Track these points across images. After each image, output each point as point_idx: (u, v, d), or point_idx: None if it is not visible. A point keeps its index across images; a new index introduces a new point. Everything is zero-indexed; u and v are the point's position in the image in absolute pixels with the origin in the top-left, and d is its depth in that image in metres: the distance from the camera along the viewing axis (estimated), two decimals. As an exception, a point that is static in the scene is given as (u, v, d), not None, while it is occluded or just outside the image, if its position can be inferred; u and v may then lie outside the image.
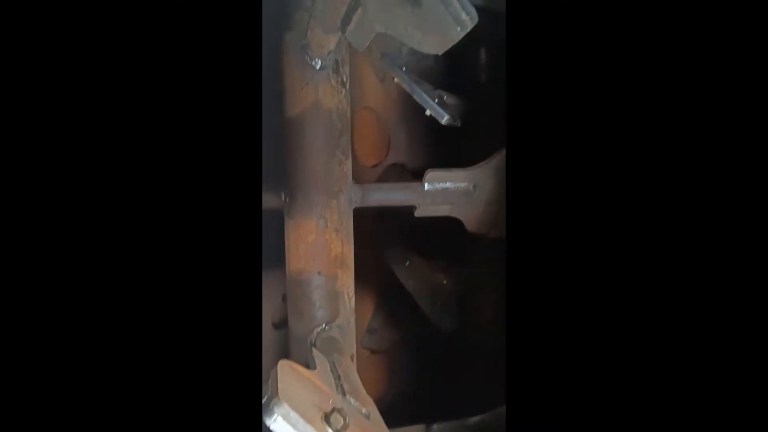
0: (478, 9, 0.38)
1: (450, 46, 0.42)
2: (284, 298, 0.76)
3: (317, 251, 0.71)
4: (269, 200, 0.72)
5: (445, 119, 0.90)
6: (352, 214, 0.75)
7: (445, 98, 1.00)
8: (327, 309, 0.72)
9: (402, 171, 1.31)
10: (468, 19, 0.38)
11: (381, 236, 1.16)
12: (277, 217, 0.74)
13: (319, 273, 0.71)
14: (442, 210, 0.81)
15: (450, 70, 1.29)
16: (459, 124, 0.91)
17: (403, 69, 1.05)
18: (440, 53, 0.45)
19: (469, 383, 1.08)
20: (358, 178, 0.83)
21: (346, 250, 0.73)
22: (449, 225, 0.92)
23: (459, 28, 0.38)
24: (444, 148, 1.21)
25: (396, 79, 1.09)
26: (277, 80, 0.71)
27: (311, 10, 0.56)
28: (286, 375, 0.40)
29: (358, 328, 0.99)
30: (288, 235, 0.72)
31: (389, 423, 0.50)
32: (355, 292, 0.74)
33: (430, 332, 0.99)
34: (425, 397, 1.16)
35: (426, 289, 0.96)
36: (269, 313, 0.97)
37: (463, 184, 0.79)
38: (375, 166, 1.26)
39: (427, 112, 0.94)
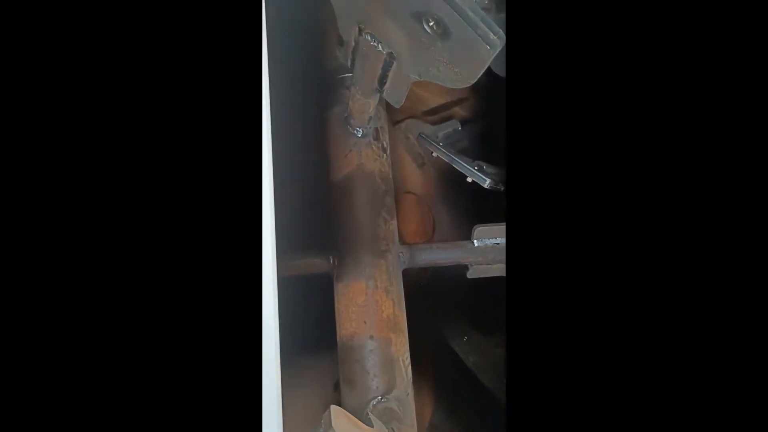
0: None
1: (482, 70, 0.44)
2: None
3: (368, 313, 0.68)
4: (318, 265, 0.72)
5: (487, 183, 0.91)
6: (401, 275, 0.73)
7: (485, 167, 1.02)
8: (381, 377, 0.66)
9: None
10: (497, 39, 0.40)
11: (435, 304, 1.11)
12: (327, 282, 0.73)
13: (371, 337, 0.67)
14: (495, 270, 0.78)
15: (484, 145, 1.33)
16: (502, 188, 0.91)
17: (441, 144, 1.09)
18: (473, 81, 0.47)
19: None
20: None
21: (398, 312, 0.70)
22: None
23: (489, 48, 0.40)
24: (489, 216, 1.19)
25: (435, 154, 1.13)
26: (323, 150, 0.76)
27: (351, 79, 0.61)
28: (340, 420, 0.36)
29: (418, 420, 0.91)
30: (338, 299, 0.70)
31: None
32: (412, 371, 0.69)
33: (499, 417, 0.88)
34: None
35: (488, 364, 0.88)
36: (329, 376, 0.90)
37: (514, 238, 0.76)
38: (421, 245, 1.26)
39: (469, 179, 0.95)
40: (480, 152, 1.37)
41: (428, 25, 0.43)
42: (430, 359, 1.11)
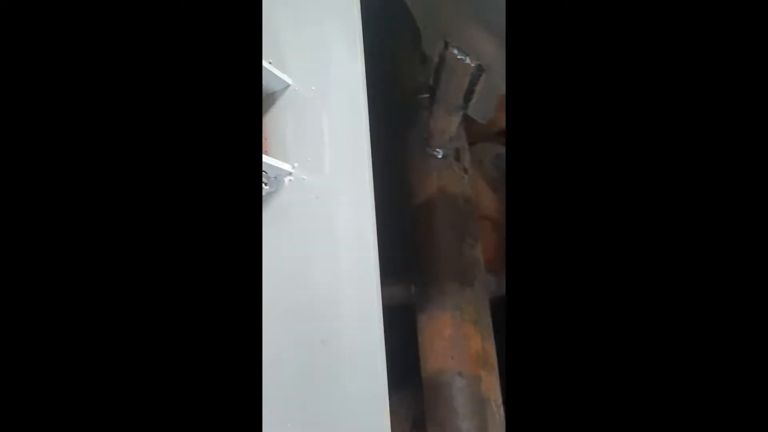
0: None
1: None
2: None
3: (455, 347, 0.62)
4: (397, 295, 0.68)
5: None
6: (488, 305, 0.67)
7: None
8: (472, 419, 0.60)
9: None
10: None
11: None
12: (407, 314, 0.69)
13: (459, 374, 0.61)
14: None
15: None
16: None
17: None
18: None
19: None
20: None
21: (487, 346, 0.64)
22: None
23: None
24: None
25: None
26: (403, 174, 0.73)
27: (434, 93, 0.58)
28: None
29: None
30: (421, 332, 0.66)
31: None
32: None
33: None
34: None
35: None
36: (406, 417, 0.85)
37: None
38: (499, 271, 1.19)
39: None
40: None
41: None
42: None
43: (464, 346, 0.62)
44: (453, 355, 0.62)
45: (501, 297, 0.70)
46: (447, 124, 0.63)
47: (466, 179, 0.71)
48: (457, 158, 0.71)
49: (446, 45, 0.50)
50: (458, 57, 0.49)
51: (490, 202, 1.28)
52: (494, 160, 1.16)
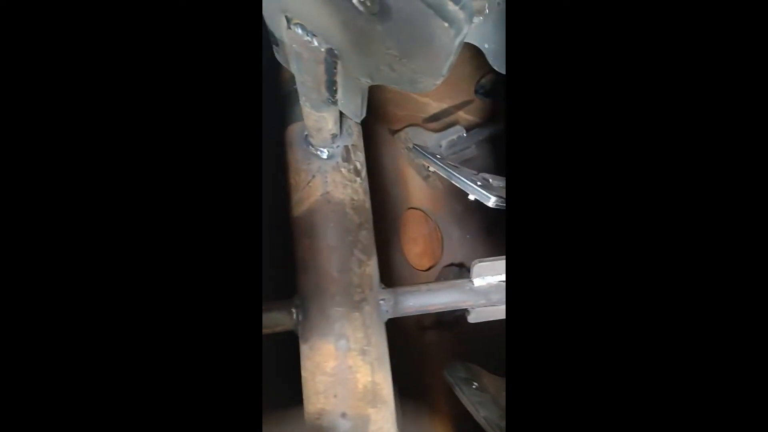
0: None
1: (447, 63, 0.29)
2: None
3: (339, 384, 0.53)
4: (279, 319, 0.58)
5: (492, 201, 0.76)
6: (383, 329, 0.58)
7: (490, 180, 0.87)
8: (360, 467, 0.52)
9: (460, 271, 1.14)
10: (458, 10, 0.25)
11: (432, 354, 0.96)
12: (290, 342, 0.59)
13: (343, 415, 0.52)
14: (501, 311, 0.62)
15: (494, 152, 1.17)
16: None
17: (437, 157, 0.94)
18: (439, 81, 0.32)
19: None
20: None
21: (378, 379, 0.55)
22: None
23: (447, 25, 0.25)
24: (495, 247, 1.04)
25: (432, 169, 0.98)
26: (282, 177, 0.62)
27: (295, 83, 0.47)
28: None
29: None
30: (304, 365, 0.56)
31: None
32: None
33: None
34: None
35: (501, 420, 0.71)
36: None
37: (525, 274, 0.60)
38: (429, 269, 1.12)
39: (471, 197, 0.80)
40: (488, 162, 1.21)
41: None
42: (445, 411, 0.95)
43: (350, 381, 0.53)
44: (336, 392, 0.53)
45: (402, 318, 0.61)
46: (318, 120, 0.52)
47: (359, 182, 0.61)
48: (347, 158, 0.61)
49: (288, 22, 0.39)
50: (305, 38, 0.39)
51: (420, 191, 1.20)
52: (413, 150, 1.08)
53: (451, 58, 0.29)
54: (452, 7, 0.25)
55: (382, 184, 1.15)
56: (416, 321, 1.01)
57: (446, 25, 0.26)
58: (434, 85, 0.33)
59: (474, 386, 0.75)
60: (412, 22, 0.27)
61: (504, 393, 0.77)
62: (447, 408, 0.94)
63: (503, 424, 0.72)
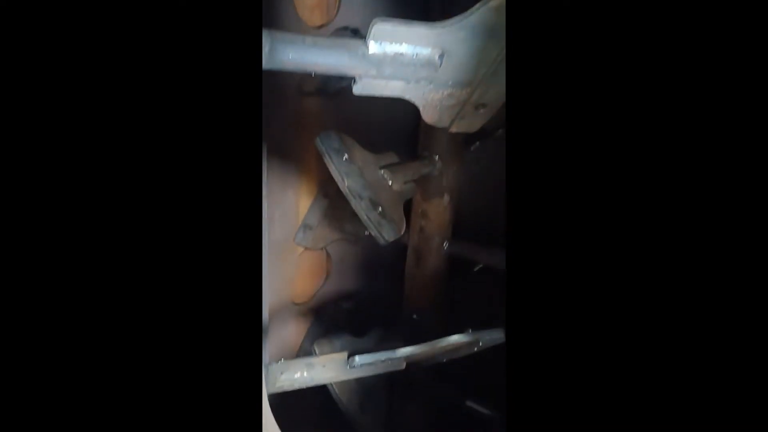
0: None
1: None
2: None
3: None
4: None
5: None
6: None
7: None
8: None
9: (355, 36, 1.02)
10: None
11: (309, 122, 0.92)
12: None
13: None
14: (392, 88, 0.57)
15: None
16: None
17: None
18: None
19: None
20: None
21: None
22: (404, 111, 0.69)
23: None
24: (411, 8, 0.92)
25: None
26: None
27: None
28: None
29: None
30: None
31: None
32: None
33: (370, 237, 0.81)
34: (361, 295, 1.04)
35: (365, 191, 0.75)
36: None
37: (425, 50, 0.54)
38: (321, 27, 0.97)
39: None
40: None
41: None
42: (313, 175, 0.97)
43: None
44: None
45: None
46: None
47: None
48: None
49: None
50: None
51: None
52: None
53: None
54: None
55: None
56: (297, 85, 0.92)
57: None
58: None
59: (345, 158, 0.75)
60: None
61: (372, 167, 0.78)
62: (315, 172, 0.96)
63: (365, 194, 0.76)
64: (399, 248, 1.01)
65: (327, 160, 0.73)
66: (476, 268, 0.99)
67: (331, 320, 1.03)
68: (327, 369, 0.67)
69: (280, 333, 1.02)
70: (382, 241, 0.75)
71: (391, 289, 1.03)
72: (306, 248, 1.00)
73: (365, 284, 1.07)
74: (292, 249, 0.99)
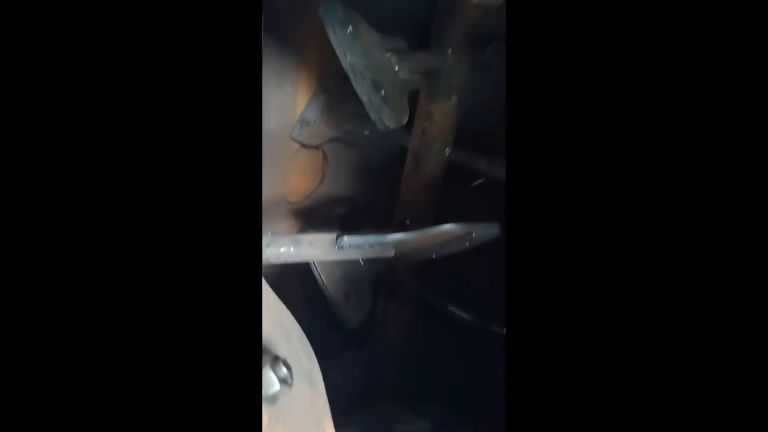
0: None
1: None
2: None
3: None
4: None
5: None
6: None
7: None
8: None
9: None
10: None
11: None
12: None
13: None
14: None
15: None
16: None
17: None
18: None
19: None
20: None
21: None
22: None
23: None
24: None
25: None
26: None
27: None
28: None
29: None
30: None
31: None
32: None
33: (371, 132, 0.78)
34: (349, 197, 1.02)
35: (368, 71, 0.70)
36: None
37: None
38: None
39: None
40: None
41: None
42: (311, 61, 0.91)
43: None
44: None
45: None
46: None
47: None
48: None
49: None
50: None
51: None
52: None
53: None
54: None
55: None
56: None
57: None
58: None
59: (349, 30, 0.70)
60: None
61: (378, 48, 0.73)
62: (314, 55, 0.90)
63: (368, 74, 0.71)
64: (397, 152, 0.97)
65: (329, 32, 0.68)
66: (476, 183, 0.96)
67: (324, 222, 1.01)
68: (314, 247, 0.65)
69: (272, 230, 1.01)
70: (381, 127, 0.71)
71: (386, 198, 1.01)
72: (303, 145, 0.97)
73: (360, 190, 1.05)
74: (288, 144, 0.96)
